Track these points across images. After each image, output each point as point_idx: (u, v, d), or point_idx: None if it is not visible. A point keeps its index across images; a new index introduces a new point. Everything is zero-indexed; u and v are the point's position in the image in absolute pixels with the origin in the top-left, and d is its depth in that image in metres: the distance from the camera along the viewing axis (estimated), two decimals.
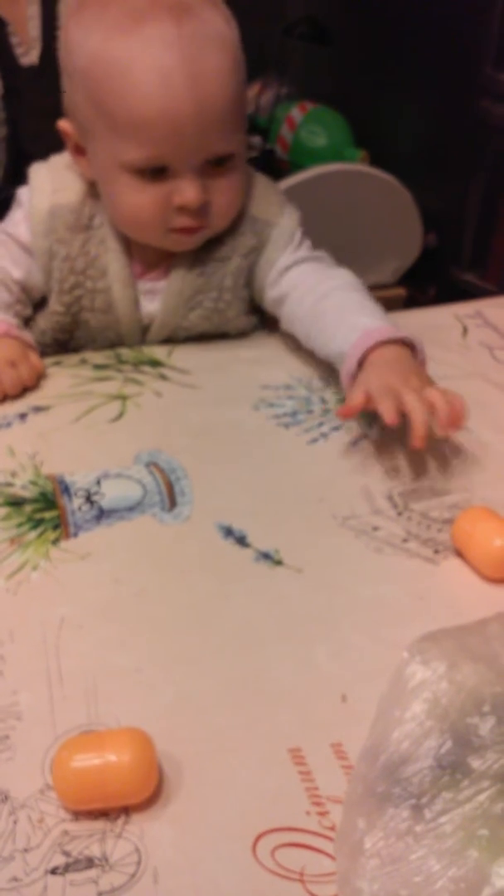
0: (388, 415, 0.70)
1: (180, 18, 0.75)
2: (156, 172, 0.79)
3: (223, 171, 0.82)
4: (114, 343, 0.94)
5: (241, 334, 0.95)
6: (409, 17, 1.74)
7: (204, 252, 0.88)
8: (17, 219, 0.89)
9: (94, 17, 0.77)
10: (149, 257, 0.89)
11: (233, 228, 0.88)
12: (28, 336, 0.89)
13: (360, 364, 0.78)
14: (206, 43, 0.76)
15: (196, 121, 0.76)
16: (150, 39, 0.75)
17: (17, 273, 0.90)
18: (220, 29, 0.78)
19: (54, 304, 0.91)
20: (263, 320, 0.98)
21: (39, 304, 0.94)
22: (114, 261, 0.88)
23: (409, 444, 0.71)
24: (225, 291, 0.90)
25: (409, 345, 0.79)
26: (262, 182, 0.92)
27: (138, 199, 0.81)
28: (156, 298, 0.91)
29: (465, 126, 1.65)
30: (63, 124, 0.83)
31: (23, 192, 0.89)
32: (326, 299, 0.86)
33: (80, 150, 0.84)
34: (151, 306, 0.91)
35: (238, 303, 0.92)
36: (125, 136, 0.77)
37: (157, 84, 0.75)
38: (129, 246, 0.88)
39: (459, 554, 0.67)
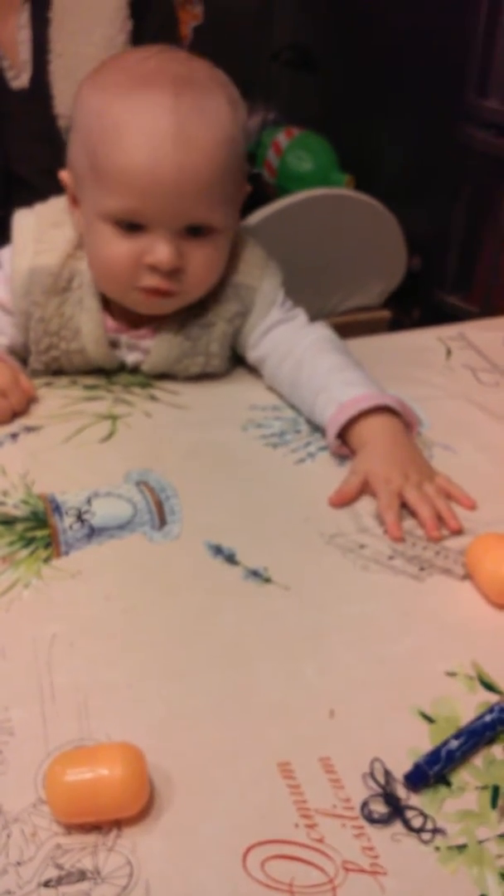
0: (392, 531, 0.72)
1: (181, 89, 0.78)
2: (133, 227, 0.80)
3: (201, 241, 0.82)
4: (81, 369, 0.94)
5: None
6: (393, 45, 1.76)
7: (188, 317, 0.89)
8: None
9: (107, 80, 0.80)
10: (131, 316, 0.89)
11: (216, 294, 0.89)
12: (15, 361, 0.90)
13: (342, 435, 0.81)
14: (201, 116, 0.78)
15: (176, 184, 0.77)
16: (148, 103, 0.77)
17: (3, 339, 0.91)
18: (219, 105, 0.80)
19: (34, 363, 0.92)
20: None
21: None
22: (88, 321, 0.88)
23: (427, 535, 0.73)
24: (212, 357, 0.91)
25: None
26: (245, 245, 0.92)
27: (112, 249, 0.81)
28: (136, 351, 0.91)
29: (448, 151, 1.67)
30: (63, 174, 0.85)
31: (3, 253, 0.89)
32: (301, 369, 0.87)
33: (76, 202, 0.85)
34: (132, 356, 0.91)
35: (225, 362, 0.93)
36: (107, 186, 0.79)
37: (144, 143, 0.77)
38: (108, 305, 0.89)
39: (471, 578, 0.68)
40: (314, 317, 0.94)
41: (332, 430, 0.80)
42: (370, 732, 0.56)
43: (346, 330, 1.13)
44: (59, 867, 0.48)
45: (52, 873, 0.47)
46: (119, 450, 0.81)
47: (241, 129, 0.82)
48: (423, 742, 0.55)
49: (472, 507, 0.75)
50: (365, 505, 0.75)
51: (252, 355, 0.92)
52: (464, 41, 1.58)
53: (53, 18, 1.08)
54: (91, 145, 0.79)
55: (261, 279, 0.90)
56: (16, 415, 0.85)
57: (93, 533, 0.70)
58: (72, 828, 0.49)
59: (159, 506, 0.73)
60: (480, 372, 0.93)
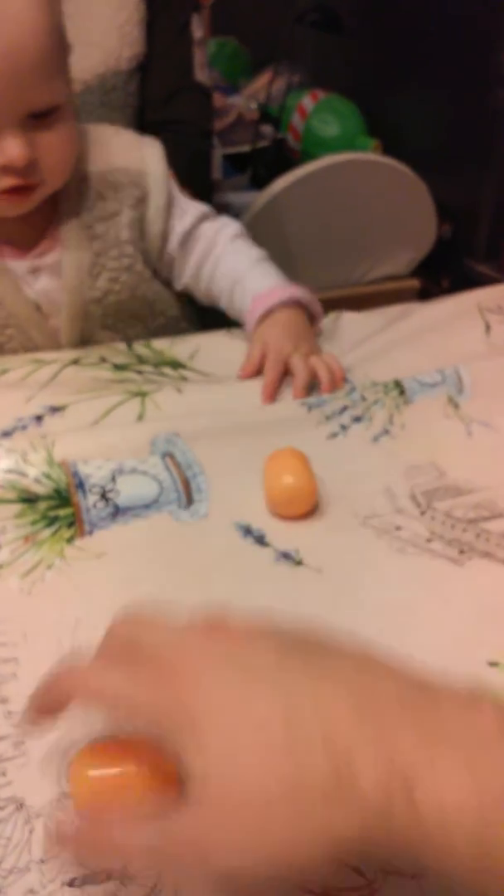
0: (265, 389, 0.82)
1: None
2: None
3: (49, 123, 0.76)
4: (22, 343, 0.90)
5: (167, 309, 0.97)
6: (422, 5, 1.71)
7: (87, 215, 0.85)
8: None
9: None
10: (18, 235, 0.85)
11: (112, 183, 0.86)
12: None
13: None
14: None
15: (9, 69, 0.70)
16: None
17: None
18: None
19: None
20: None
21: None
22: None
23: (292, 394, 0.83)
24: (125, 245, 0.88)
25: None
26: (106, 129, 0.89)
27: None
28: (42, 274, 0.87)
29: (479, 116, 1.63)
30: None
31: None
32: (218, 265, 0.93)
33: None
34: (40, 283, 0.87)
35: (141, 255, 0.90)
36: None
37: None
38: None
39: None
40: (340, 286, 0.92)
41: (251, 322, 0.89)
42: None
43: (374, 299, 1.10)
44: (85, 866, 0.46)
45: (77, 872, 0.45)
46: (146, 420, 0.78)
47: None
48: None
49: (340, 380, 0.84)
50: (401, 485, 0.71)
51: (167, 254, 0.93)
52: (497, 2, 1.53)
53: None
54: None
55: (145, 159, 0.88)
56: None
57: (117, 512, 0.68)
58: None
59: (186, 484, 0.71)
60: None
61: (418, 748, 0.35)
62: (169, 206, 0.90)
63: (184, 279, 0.96)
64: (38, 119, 0.75)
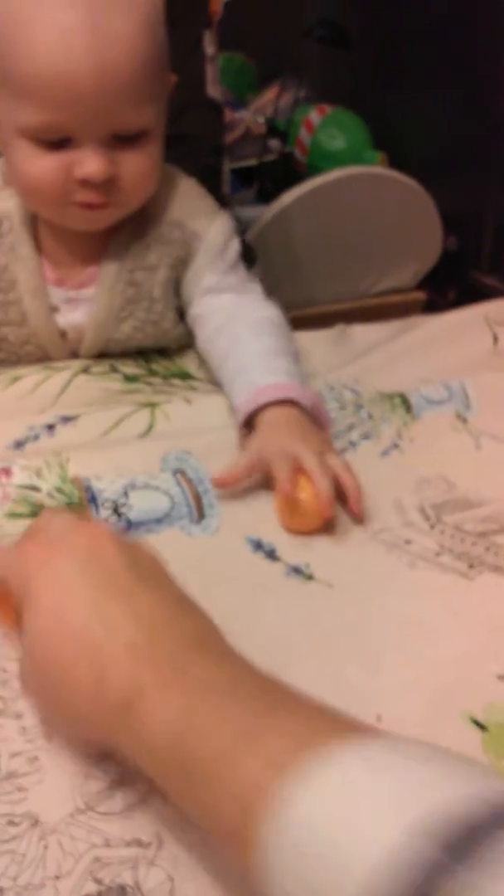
0: (283, 482, 0.68)
1: None
2: (58, 142, 0.73)
3: (135, 146, 0.75)
4: (39, 358, 0.90)
5: (181, 346, 0.92)
6: (427, 19, 1.72)
7: (131, 260, 0.85)
8: None
9: None
10: (67, 262, 0.85)
11: (162, 235, 0.85)
12: None
13: (250, 424, 0.76)
14: (115, 2, 0.70)
15: (96, 88, 0.70)
16: None
17: None
18: None
19: None
20: None
21: None
22: (23, 270, 0.84)
23: (323, 517, 0.67)
24: (156, 302, 0.87)
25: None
26: (193, 188, 0.88)
27: (36, 166, 0.74)
28: (78, 307, 0.87)
29: (484, 129, 1.63)
30: None
31: None
32: (236, 344, 0.83)
33: None
34: (74, 316, 0.87)
35: (171, 313, 0.88)
36: (22, 97, 0.71)
37: (54, 45, 0.68)
38: (42, 252, 0.85)
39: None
40: (346, 299, 0.91)
41: (240, 418, 0.76)
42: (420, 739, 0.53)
43: (380, 312, 1.10)
44: (99, 882, 0.46)
45: (92, 888, 0.45)
46: (156, 435, 0.78)
47: (158, 9, 0.75)
48: (475, 751, 0.52)
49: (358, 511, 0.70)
50: (410, 499, 0.72)
51: (191, 312, 0.89)
52: (501, 14, 1.54)
53: None
54: None
55: (207, 228, 0.86)
56: None
57: (130, 527, 0.68)
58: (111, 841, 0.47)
59: (197, 499, 0.71)
60: None
61: (159, 673, 0.44)
62: (206, 273, 0.87)
63: (196, 337, 0.90)
64: (124, 140, 0.75)
